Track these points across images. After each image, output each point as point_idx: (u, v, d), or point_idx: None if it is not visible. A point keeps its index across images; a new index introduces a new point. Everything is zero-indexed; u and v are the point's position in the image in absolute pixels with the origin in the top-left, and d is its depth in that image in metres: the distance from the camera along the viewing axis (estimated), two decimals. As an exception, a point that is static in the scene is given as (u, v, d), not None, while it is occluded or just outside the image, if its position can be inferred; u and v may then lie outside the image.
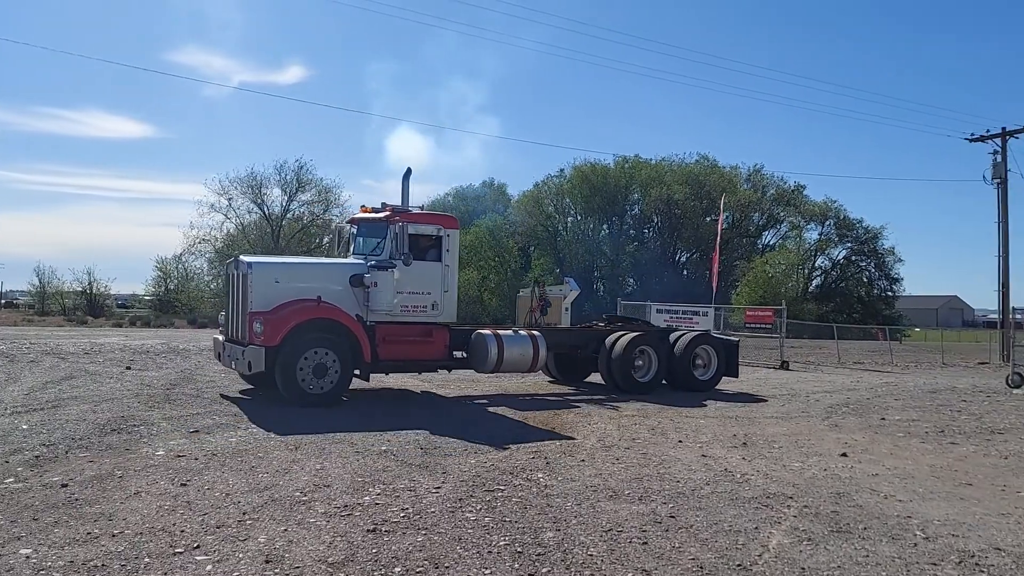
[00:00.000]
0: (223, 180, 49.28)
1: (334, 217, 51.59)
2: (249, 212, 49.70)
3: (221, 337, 12.15)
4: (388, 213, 11.99)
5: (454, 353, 12.49)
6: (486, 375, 13.44)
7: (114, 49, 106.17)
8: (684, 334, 14.84)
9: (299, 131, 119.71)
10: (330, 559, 4.46)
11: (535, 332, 13.19)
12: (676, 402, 12.60)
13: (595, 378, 15.14)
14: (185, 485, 6.00)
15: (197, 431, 8.29)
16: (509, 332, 12.87)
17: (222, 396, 11.26)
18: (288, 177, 49.20)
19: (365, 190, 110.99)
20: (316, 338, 10.63)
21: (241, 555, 4.48)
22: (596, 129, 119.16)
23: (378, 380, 12.51)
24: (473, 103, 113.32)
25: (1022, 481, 7.23)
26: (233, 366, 11.35)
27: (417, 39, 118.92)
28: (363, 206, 12.92)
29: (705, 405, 12.50)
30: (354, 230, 13.06)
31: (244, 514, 5.27)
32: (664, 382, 14.27)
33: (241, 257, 11.68)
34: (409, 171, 12.83)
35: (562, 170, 62.50)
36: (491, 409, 11.35)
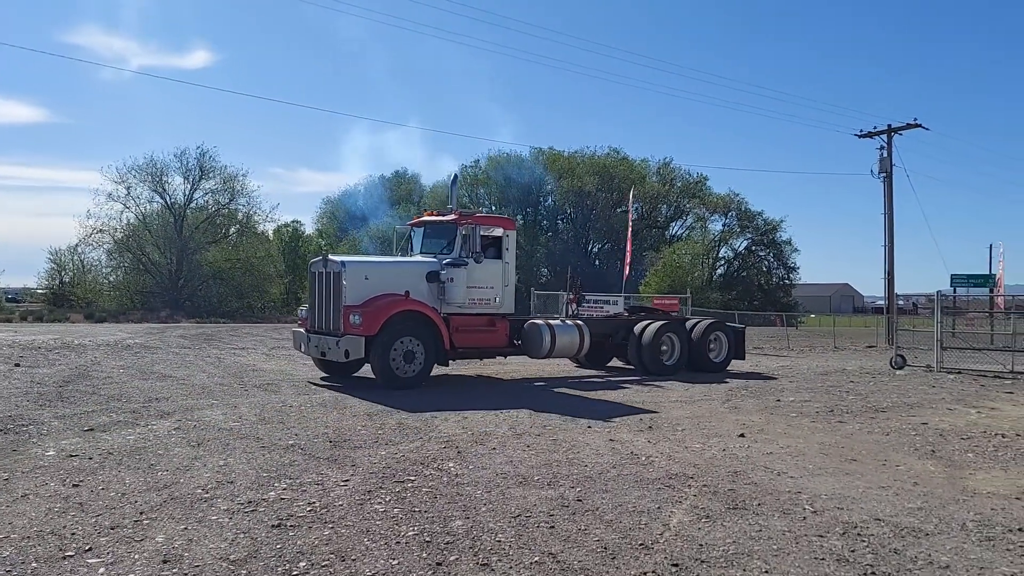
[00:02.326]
0: (121, 168, 46.97)
1: (240, 207, 50.12)
2: (150, 201, 47.52)
3: (302, 330, 13.23)
4: (456, 216, 13.33)
5: (514, 341, 13.81)
6: (538, 361, 14.76)
7: (4, 28, 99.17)
8: (700, 322, 16.38)
9: (204, 117, 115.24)
10: (232, 556, 4.36)
11: (579, 322, 14.55)
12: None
13: (614, 363, 16.61)
14: (77, 486, 5.75)
15: (92, 429, 7.93)
16: (558, 322, 14.23)
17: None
18: (190, 164, 47.11)
19: (273, 178, 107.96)
20: (405, 328, 11.90)
21: (137, 556, 4.33)
22: (512, 121, 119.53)
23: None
24: (390, 92, 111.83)
25: (901, 456, 7.75)
26: (325, 354, 12.28)
27: (329, 26, 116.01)
28: (426, 210, 14.36)
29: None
30: (419, 231, 14.25)
31: (141, 514, 5.09)
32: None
33: (331, 256, 12.94)
34: (456, 177, 14.18)
35: (477, 161, 62.53)
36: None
